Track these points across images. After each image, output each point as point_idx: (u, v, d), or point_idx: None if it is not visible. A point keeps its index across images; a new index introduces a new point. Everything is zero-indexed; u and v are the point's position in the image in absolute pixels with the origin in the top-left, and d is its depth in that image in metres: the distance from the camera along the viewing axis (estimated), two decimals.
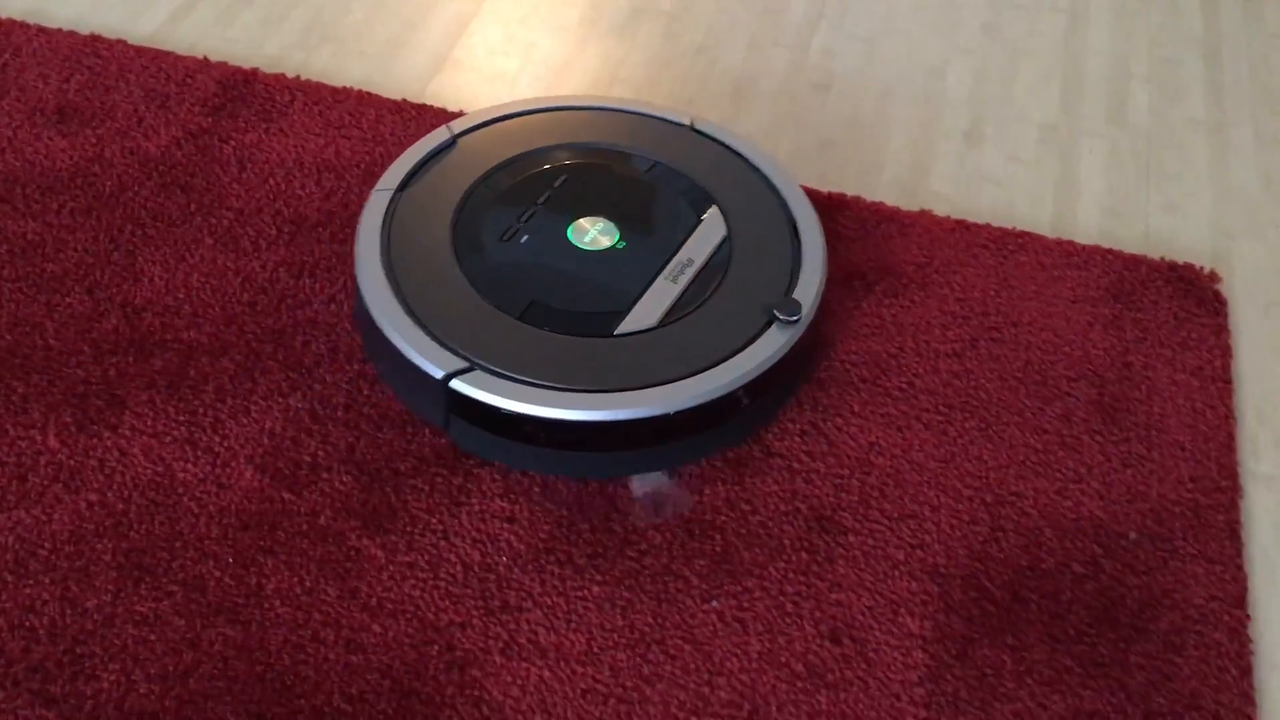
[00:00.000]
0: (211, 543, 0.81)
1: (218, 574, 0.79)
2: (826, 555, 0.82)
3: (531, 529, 0.83)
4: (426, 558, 0.81)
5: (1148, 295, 1.00)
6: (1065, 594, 0.81)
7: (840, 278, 1.00)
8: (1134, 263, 1.03)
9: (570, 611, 0.79)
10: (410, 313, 0.87)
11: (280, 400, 0.89)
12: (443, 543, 0.82)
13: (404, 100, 1.14)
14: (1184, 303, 1.00)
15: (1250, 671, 0.78)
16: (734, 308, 0.89)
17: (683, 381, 0.83)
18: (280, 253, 0.99)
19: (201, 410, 0.88)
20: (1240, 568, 0.83)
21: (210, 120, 1.10)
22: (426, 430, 0.88)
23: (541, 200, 0.95)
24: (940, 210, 1.09)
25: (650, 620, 0.79)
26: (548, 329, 0.86)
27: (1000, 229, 1.06)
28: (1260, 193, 1.12)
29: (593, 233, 0.93)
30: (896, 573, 0.81)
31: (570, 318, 0.87)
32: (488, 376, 0.83)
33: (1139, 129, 1.18)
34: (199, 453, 0.86)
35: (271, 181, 1.05)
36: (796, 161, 1.13)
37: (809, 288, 0.90)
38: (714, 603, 0.79)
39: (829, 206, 1.06)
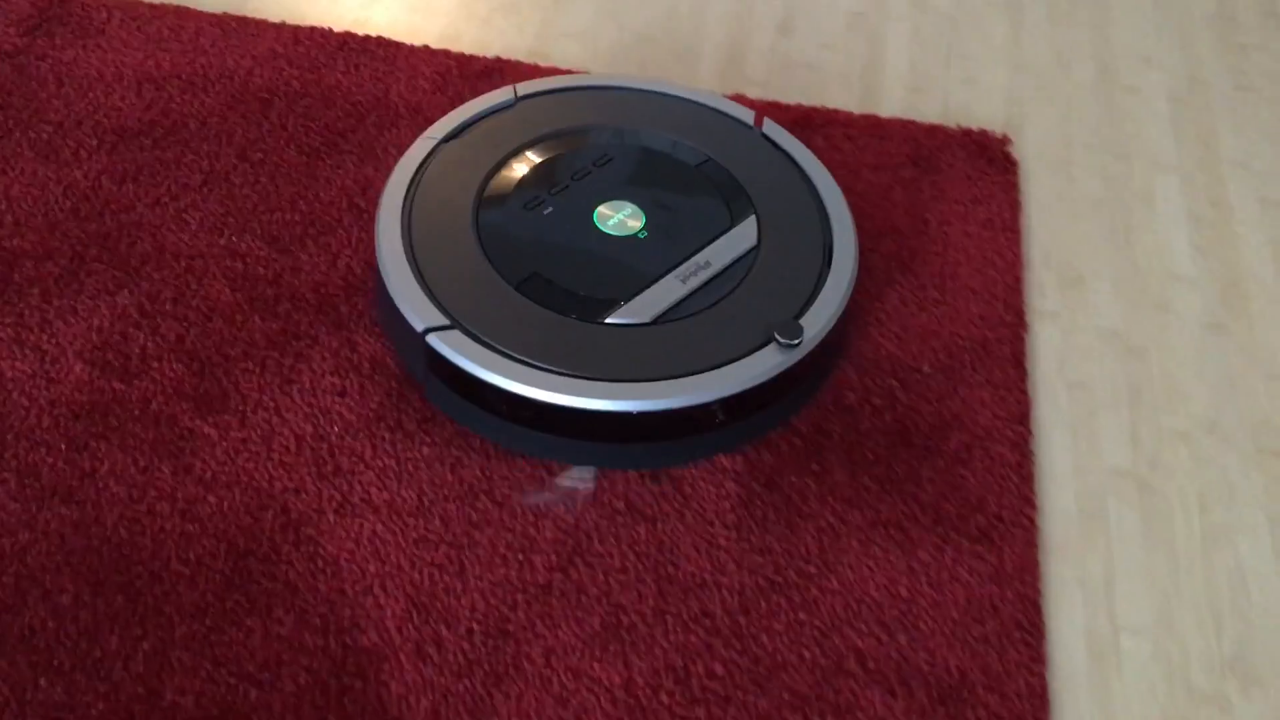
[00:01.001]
0: (43, 432, 0.82)
1: (50, 460, 0.81)
2: None
3: (362, 401, 0.86)
4: (259, 433, 0.84)
5: (944, 159, 1.07)
6: (865, 424, 0.87)
7: None
8: (932, 131, 1.10)
9: (401, 471, 0.83)
10: (413, 262, 0.86)
11: (108, 298, 0.91)
12: (275, 418, 0.85)
13: (225, 14, 1.15)
14: (977, 164, 1.07)
15: (1031, 479, 0.85)
16: (735, 320, 0.85)
17: (656, 383, 0.80)
18: (102, 161, 1.00)
19: (28, 312, 0.89)
20: (1024, 391, 0.90)
21: (26, 40, 1.10)
22: (256, 317, 0.91)
23: (578, 177, 0.93)
24: (754, 95, 1.14)
25: (478, 473, 0.83)
26: (540, 304, 0.84)
27: (809, 107, 1.11)
28: (1051, 66, 1.20)
29: (618, 217, 0.90)
30: None
31: (565, 296, 0.85)
32: (464, 339, 0.82)
33: (941, 11, 1.25)
34: (26, 351, 0.87)
35: (91, 95, 1.06)
36: (617, 56, 1.17)
37: (821, 316, 0.85)
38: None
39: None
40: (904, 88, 1.17)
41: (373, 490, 0.81)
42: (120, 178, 0.99)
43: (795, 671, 0.75)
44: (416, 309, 0.83)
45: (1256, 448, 0.90)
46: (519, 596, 0.77)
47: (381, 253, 0.87)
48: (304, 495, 0.81)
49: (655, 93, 1.01)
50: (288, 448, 0.83)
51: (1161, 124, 1.14)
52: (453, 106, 1.07)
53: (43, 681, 0.71)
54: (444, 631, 0.75)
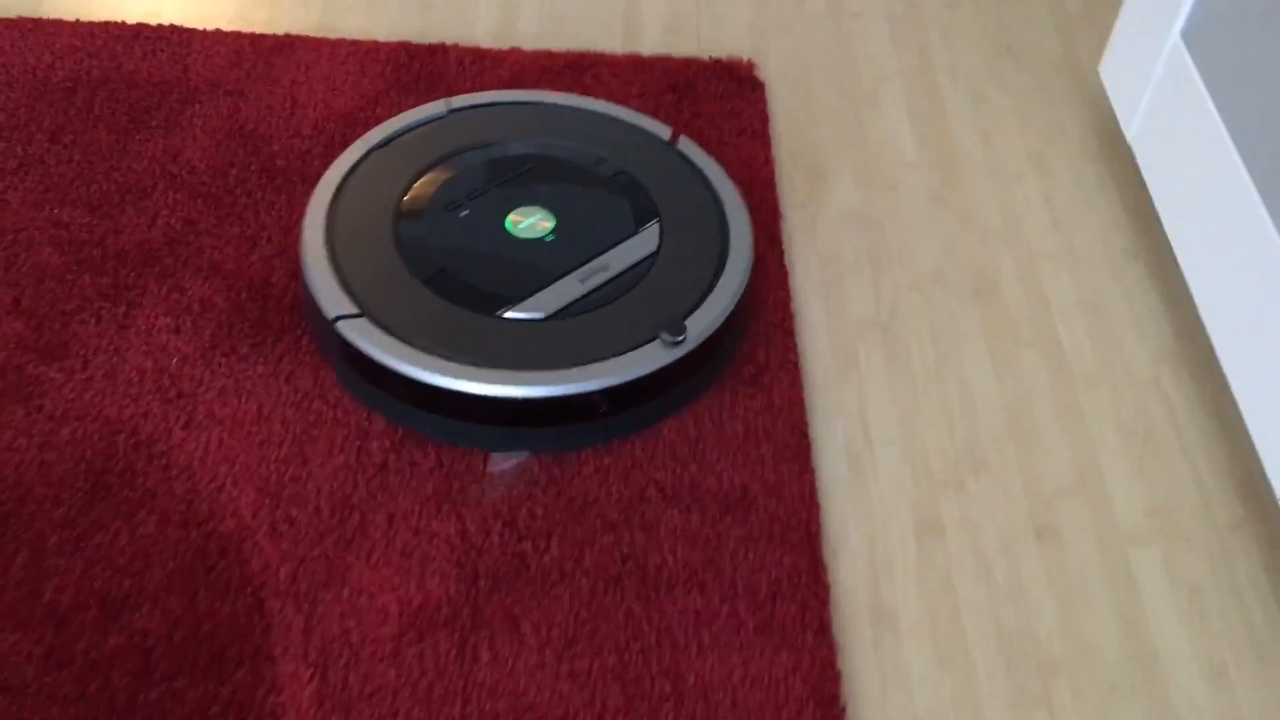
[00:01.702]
0: None
1: None
2: None
3: (196, 335, 0.95)
4: (103, 372, 0.92)
5: (699, 84, 1.22)
6: None
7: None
8: (687, 64, 1.24)
9: (240, 388, 0.92)
10: (331, 255, 0.93)
11: None
12: (115, 359, 0.93)
13: (20, 17, 1.21)
14: (729, 85, 1.22)
15: (793, 333, 1.00)
16: (626, 319, 0.91)
17: (543, 372, 0.87)
18: None
19: None
20: (783, 265, 1.05)
21: None
22: (86, 276, 0.98)
23: (498, 183, 1.00)
24: (528, 46, 1.27)
25: (311, 382, 0.93)
26: (445, 298, 0.91)
27: (578, 52, 1.24)
28: (787, 2, 1.36)
29: (529, 221, 0.97)
30: None
31: (468, 292, 0.91)
32: (370, 326, 0.88)
33: None
34: None
35: None
36: (402, 18, 1.28)
37: (706, 318, 0.92)
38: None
39: (433, 54, 1.22)
40: (661, 29, 1.31)
41: (215, 407, 0.90)
42: None
43: (604, 504, 0.87)
44: (329, 298, 0.90)
45: (974, 290, 1.07)
46: (359, 477, 0.87)
47: (304, 245, 0.94)
48: (151, 418, 0.89)
49: (580, 109, 1.09)
50: (131, 381, 0.91)
51: (883, 41, 1.31)
52: (250, 79, 1.16)
53: None
54: (294, 511, 0.85)
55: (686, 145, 1.06)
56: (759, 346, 0.98)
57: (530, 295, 0.92)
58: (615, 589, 0.83)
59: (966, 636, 0.84)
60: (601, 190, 1.01)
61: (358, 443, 0.89)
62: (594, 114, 1.08)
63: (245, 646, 0.78)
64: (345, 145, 1.11)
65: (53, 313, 0.96)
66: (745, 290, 0.95)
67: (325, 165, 1.10)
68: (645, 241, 0.97)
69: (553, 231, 0.96)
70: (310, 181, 1.08)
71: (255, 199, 1.06)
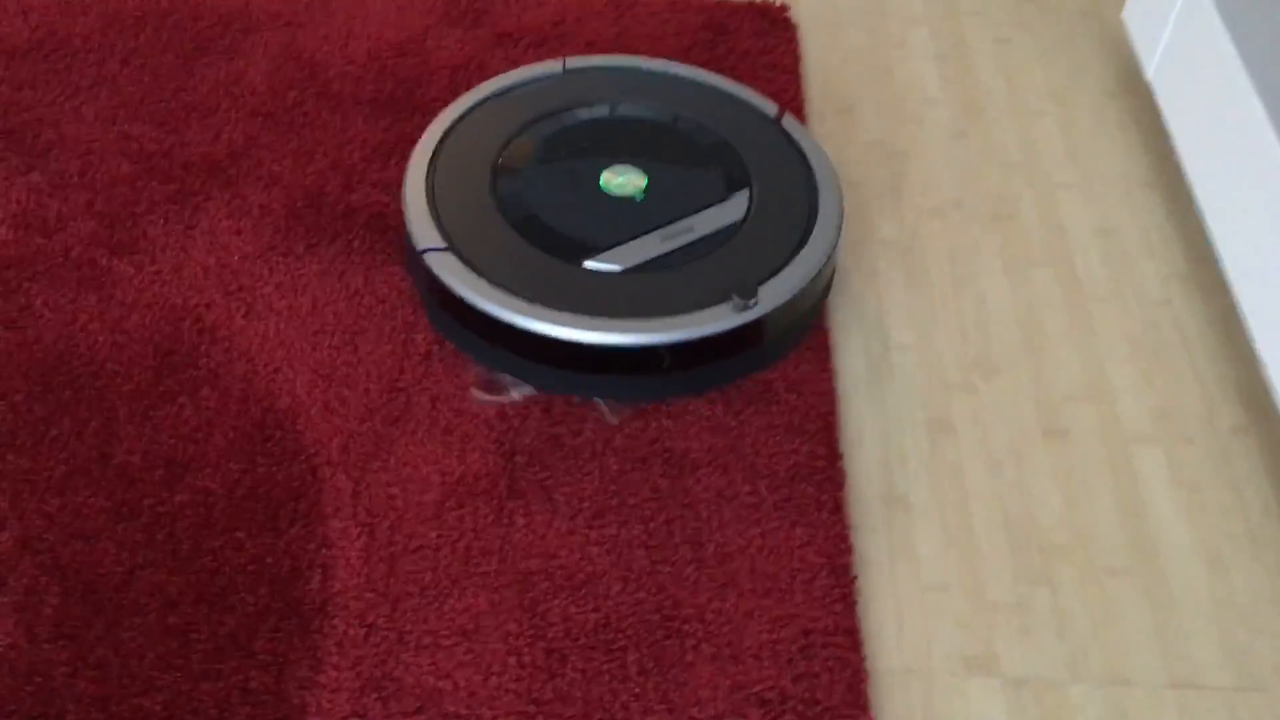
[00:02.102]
0: None
1: None
2: None
3: (256, 236, 1.02)
4: (170, 266, 0.98)
5: (733, 24, 1.27)
6: None
7: (493, 39, 1.22)
8: (723, 5, 1.30)
9: (295, 284, 0.98)
10: (430, 193, 0.96)
11: (20, 178, 1.04)
12: (181, 255, 0.99)
13: None
14: (762, 25, 1.27)
15: None
16: (703, 280, 0.92)
17: (612, 319, 0.89)
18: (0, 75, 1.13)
19: None
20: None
21: None
22: (154, 182, 1.05)
23: (599, 142, 1.02)
24: None
25: (362, 282, 0.99)
26: (531, 242, 0.94)
27: None
28: None
29: (622, 179, 0.98)
30: None
31: (554, 239, 0.94)
32: (455, 261, 0.92)
33: None
34: None
35: None
36: None
37: (781, 287, 0.92)
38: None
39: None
40: None
41: (273, 299, 0.97)
42: (18, 85, 1.12)
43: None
44: (421, 231, 0.94)
45: (993, 216, 1.11)
46: (405, 363, 0.93)
47: (406, 180, 0.98)
48: (214, 308, 0.96)
49: (691, 79, 1.10)
50: (196, 274, 0.98)
51: None
52: (308, 11, 1.23)
53: (10, 456, 0.85)
54: (345, 392, 0.91)
55: (790, 123, 1.06)
56: None
57: (611, 248, 0.94)
58: (642, 468, 0.88)
59: (973, 521, 0.88)
60: (699, 157, 1.02)
61: (404, 335, 0.95)
62: (704, 85, 1.10)
63: (299, 506, 0.84)
64: (395, 74, 1.17)
65: (124, 214, 1.02)
66: (824, 267, 0.95)
67: (378, 90, 1.16)
68: (733, 209, 0.98)
69: (644, 191, 0.98)
70: (364, 103, 1.14)
71: (311, 119, 1.12)
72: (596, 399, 0.91)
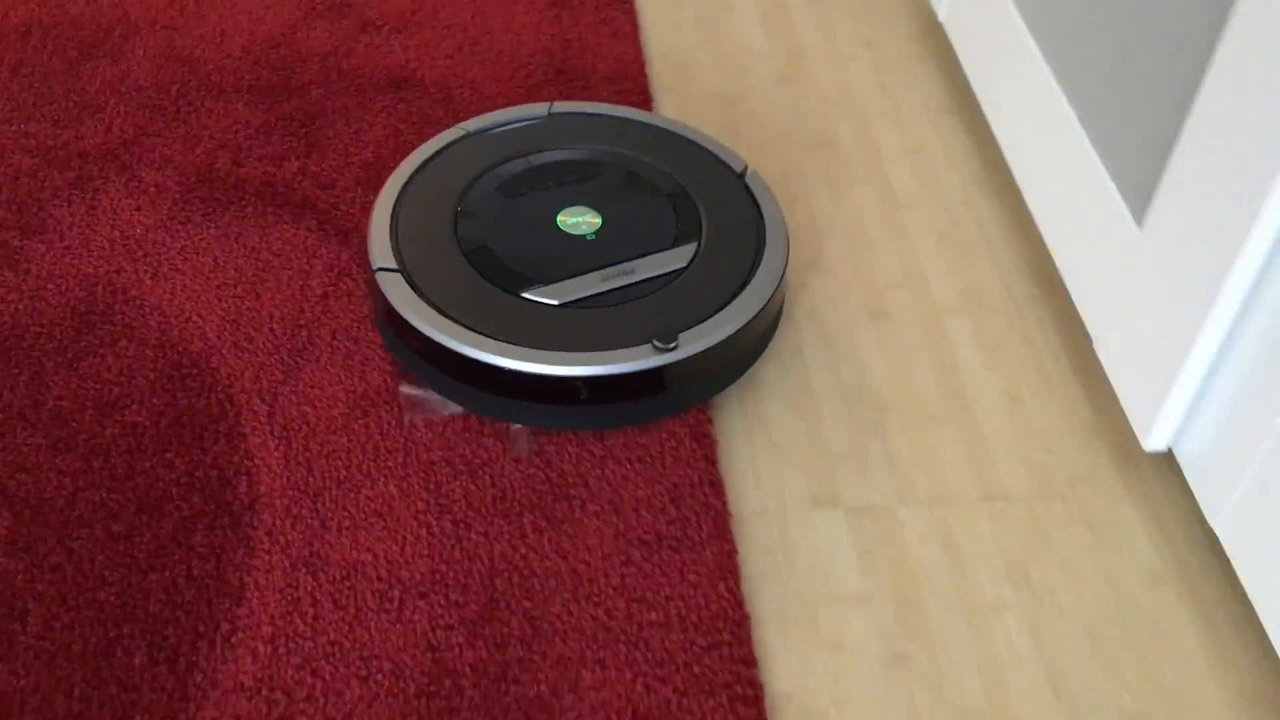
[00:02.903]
0: None
1: None
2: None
3: (155, 211, 1.11)
4: (78, 242, 1.08)
5: (575, 1, 1.41)
6: None
7: (357, 27, 1.34)
8: None
9: (196, 247, 1.08)
10: (394, 215, 1.02)
11: None
12: (88, 232, 1.09)
13: None
14: (601, 0, 1.41)
15: None
16: (633, 322, 0.95)
17: (537, 350, 0.93)
18: None
19: None
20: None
21: None
22: (55, 172, 1.14)
23: (565, 182, 1.07)
24: None
25: (258, 239, 1.09)
26: (478, 271, 0.98)
27: None
28: None
29: (577, 219, 1.03)
30: None
31: (499, 269, 0.98)
32: (401, 282, 0.97)
33: None
34: None
35: None
36: None
37: (701, 336, 0.94)
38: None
39: None
40: None
41: (177, 262, 1.07)
42: None
43: None
44: (378, 251, 0.99)
45: (817, 144, 1.27)
46: (304, 305, 1.04)
47: (375, 207, 1.03)
48: (123, 273, 1.05)
49: (665, 130, 1.15)
50: (103, 247, 1.08)
51: None
52: (183, 16, 1.33)
53: None
54: (252, 333, 1.01)
55: (754, 180, 1.09)
56: None
57: (552, 283, 0.98)
58: None
59: (813, 390, 1.03)
60: (655, 204, 1.06)
61: (300, 282, 1.06)
62: (676, 136, 1.14)
63: (220, 428, 0.94)
64: (270, 63, 1.28)
65: (29, 201, 1.11)
66: (749, 324, 0.98)
67: (255, 78, 1.27)
68: (677, 258, 1.01)
69: (596, 232, 1.02)
70: (243, 91, 1.25)
71: (195, 106, 1.23)
72: (514, 426, 0.97)
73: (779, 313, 1.06)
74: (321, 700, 0.79)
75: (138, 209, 1.12)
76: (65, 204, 1.12)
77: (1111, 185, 0.98)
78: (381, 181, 1.16)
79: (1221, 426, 0.87)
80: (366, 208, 1.13)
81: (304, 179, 1.16)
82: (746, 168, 1.10)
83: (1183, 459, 0.91)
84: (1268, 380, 0.82)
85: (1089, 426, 1.00)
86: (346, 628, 0.82)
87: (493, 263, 0.99)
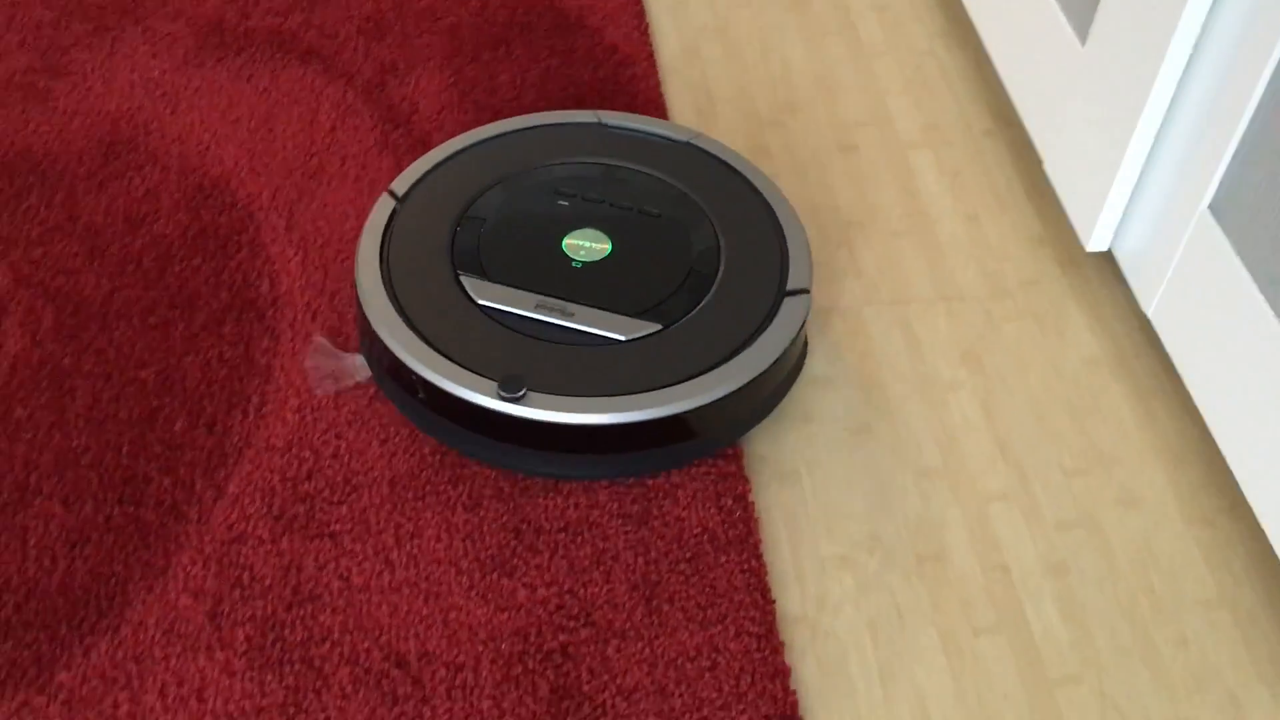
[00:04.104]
0: None
1: None
2: None
3: (170, 57, 1.19)
4: (100, 83, 1.16)
5: None
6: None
7: None
8: None
9: (211, 88, 1.17)
10: (387, 231, 0.94)
11: None
12: (109, 75, 1.17)
13: None
14: None
15: (648, 35, 1.26)
16: (547, 360, 0.87)
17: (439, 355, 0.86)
18: None
19: None
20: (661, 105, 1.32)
21: None
22: (75, 23, 1.21)
23: (588, 197, 0.98)
24: None
25: (269, 81, 1.17)
26: (465, 273, 0.92)
27: None
28: None
29: (581, 243, 0.95)
30: None
31: (468, 258, 0.93)
32: (380, 292, 0.90)
33: None
34: None
35: None
36: None
37: (562, 406, 0.85)
38: None
39: None
40: None
41: (194, 100, 1.14)
42: None
43: None
44: (367, 270, 0.91)
45: (789, 3, 1.34)
46: (315, 135, 1.12)
47: (369, 219, 0.96)
48: (144, 110, 1.13)
49: (744, 180, 1.02)
50: (124, 89, 1.15)
51: None
52: None
53: None
54: (268, 159, 1.09)
55: (790, 306, 0.92)
56: (621, 41, 1.25)
57: (491, 281, 0.92)
58: None
59: None
60: (667, 269, 0.94)
61: (310, 118, 1.14)
62: (752, 191, 1.02)
63: (242, 239, 1.02)
64: None
65: (52, 48, 1.18)
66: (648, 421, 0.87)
67: None
68: (614, 327, 0.90)
69: (585, 263, 0.94)
70: None
71: None
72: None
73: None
74: (346, 457, 0.88)
75: (154, 55, 1.19)
76: (86, 51, 1.19)
77: (1057, 7, 1.07)
78: (385, 35, 1.24)
79: (1154, 222, 0.96)
80: (369, 56, 1.21)
81: (309, 29, 1.23)
82: (801, 287, 0.94)
83: (1120, 257, 1.01)
84: (1189, 177, 0.91)
85: (1039, 238, 1.09)
86: (365, 402, 0.91)
87: (490, 265, 0.93)
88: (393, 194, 0.98)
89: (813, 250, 1.07)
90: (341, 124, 1.13)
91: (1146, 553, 0.87)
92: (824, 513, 0.89)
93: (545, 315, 0.90)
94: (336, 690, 0.75)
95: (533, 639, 0.78)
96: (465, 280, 0.92)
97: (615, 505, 0.87)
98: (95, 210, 1.04)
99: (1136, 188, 0.98)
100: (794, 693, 0.78)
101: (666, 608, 0.81)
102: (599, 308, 0.91)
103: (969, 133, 1.20)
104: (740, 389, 0.88)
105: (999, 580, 0.86)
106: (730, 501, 0.87)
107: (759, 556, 0.85)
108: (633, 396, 0.86)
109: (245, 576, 0.81)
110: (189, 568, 0.81)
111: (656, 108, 1.18)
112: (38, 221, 1.02)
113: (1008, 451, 0.93)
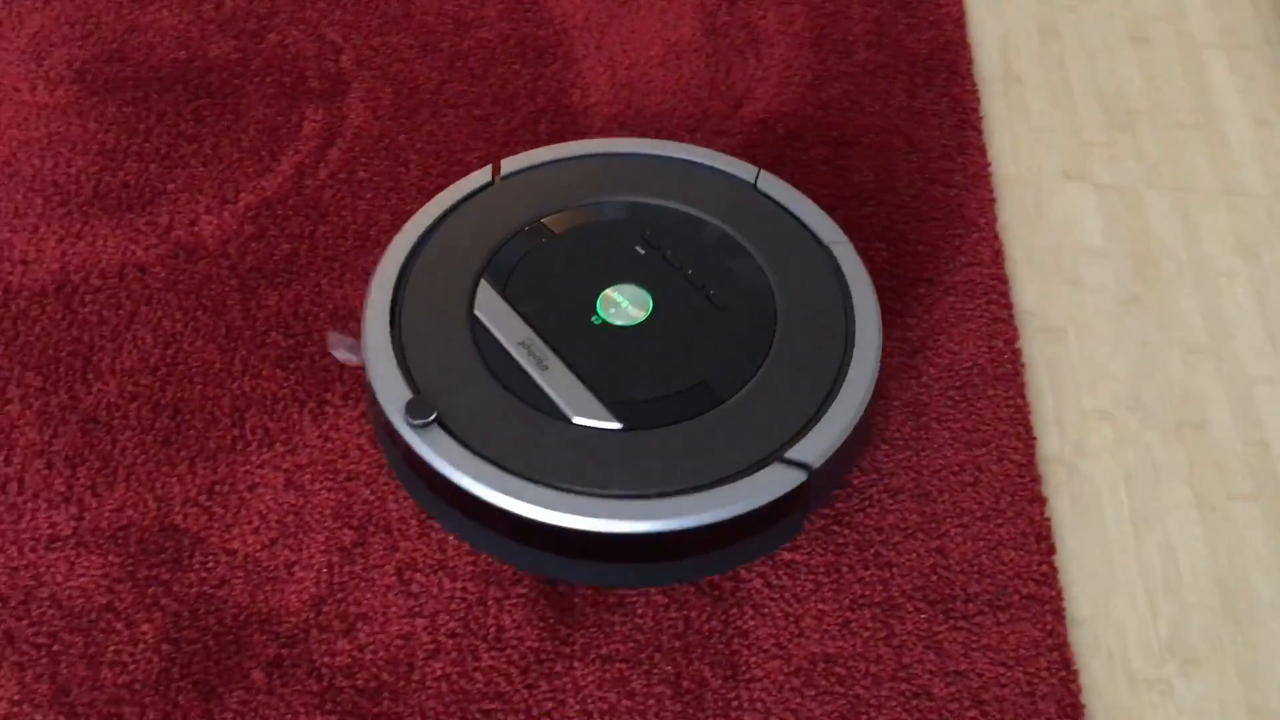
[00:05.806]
0: None
1: None
2: None
3: None
4: None
5: None
6: None
7: None
8: None
9: None
10: (471, 193, 0.88)
11: None
12: None
13: None
14: None
15: None
16: (503, 407, 0.78)
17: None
18: None
19: None
20: None
21: None
22: None
23: (668, 257, 0.86)
24: None
25: None
26: (488, 277, 0.84)
27: None
28: None
29: (622, 303, 0.84)
30: None
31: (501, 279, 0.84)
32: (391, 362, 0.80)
33: None
34: None
35: None
36: None
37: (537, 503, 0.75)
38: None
39: None
40: None
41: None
42: None
43: None
44: (376, 319, 0.82)
45: None
46: None
47: (385, 258, 0.86)
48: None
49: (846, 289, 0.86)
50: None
51: None
52: None
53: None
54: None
55: (773, 475, 0.76)
56: None
57: (504, 303, 0.83)
58: None
59: (1072, 92, 1.13)
60: (661, 365, 0.81)
61: None
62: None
63: (558, 51, 1.10)
64: None
65: None
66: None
67: None
68: (573, 403, 0.79)
69: (604, 321, 0.83)
70: None
71: None
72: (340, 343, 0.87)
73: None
74: None
75: None
76: None
77: None
78: None
79: None
80: None
81: None
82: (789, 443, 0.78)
83: None
84: None
85: None
86: None
87: (519, 303, 0.83)
88: (496, 169, 0.91)
89: (1099, 130, 1.09)
90: None
91: None
92: (1087, 370, 0.93)
93: (519, 355, 0.80)
94: None
95: None
96: (482, 285, 0.84)
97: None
98: (428, 10, 1.12)
99: None
100: (1049, 519, 0.83)
101: (935, 426, 0.87)
102: (576, 375, 0.80)
103: (1266, 40, 1.18)
104: (667, 533, 0.74)
105: (1258, 454, 0.88)
106: (1001, 344, 0.91)
107: (1023, 396, 0.89)
108: (534, 487, 0.74)
109: None
110: None
111: None
112: (377, 14, 1.12)
113: (1278, 339, 0.95)
